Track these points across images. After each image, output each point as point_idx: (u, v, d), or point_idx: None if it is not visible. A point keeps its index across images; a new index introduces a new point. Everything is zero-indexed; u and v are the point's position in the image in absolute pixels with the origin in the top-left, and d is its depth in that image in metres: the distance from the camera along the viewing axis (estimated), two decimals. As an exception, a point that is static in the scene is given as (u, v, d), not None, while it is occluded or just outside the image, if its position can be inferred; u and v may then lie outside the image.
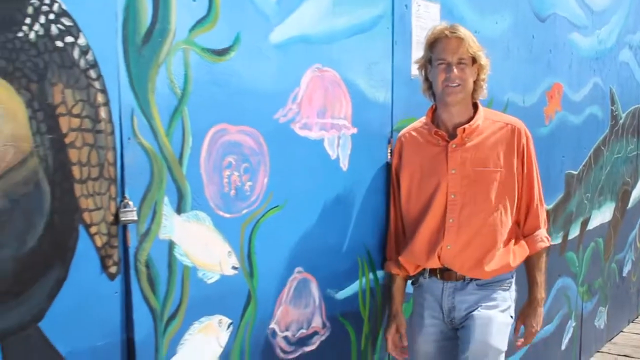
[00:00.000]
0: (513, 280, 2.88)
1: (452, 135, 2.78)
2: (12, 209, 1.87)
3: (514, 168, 2.79)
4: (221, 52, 2.39)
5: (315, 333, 2.87)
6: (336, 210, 2.90)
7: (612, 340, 5.73)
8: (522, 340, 2.97)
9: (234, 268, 2.48)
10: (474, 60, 2.72)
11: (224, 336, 2.47)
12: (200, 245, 2.36)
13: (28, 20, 1.89)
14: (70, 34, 1.98)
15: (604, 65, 5.22)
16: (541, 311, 2.90)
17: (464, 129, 2.75)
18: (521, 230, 2.90)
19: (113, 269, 2.13)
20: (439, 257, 2.80)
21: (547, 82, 4.39)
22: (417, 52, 3.20)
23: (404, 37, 3.18)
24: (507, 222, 2.81)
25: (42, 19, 1.92)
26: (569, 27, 4.63)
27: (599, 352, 5.48)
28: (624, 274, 5.97)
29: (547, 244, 2.90)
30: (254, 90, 2.50)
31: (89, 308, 2.07)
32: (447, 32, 2.70)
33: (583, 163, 4.97)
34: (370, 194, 3.03)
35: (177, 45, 2.24)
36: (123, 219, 2.12)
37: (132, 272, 2.16)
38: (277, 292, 2.67)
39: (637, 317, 6.34)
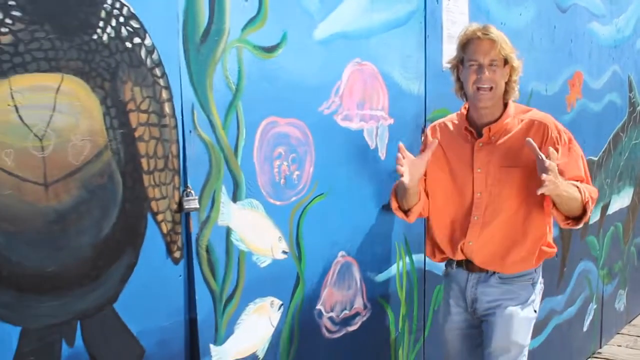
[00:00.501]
0: (537, 275, 2.87)
1: (481, 134, 2.78)
2: (90, 199, 2.02)
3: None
4: (270, 49, 2.54)
5: (357, 314, 3.03)
6: (375, 197, 3.05)
7: (632, 322, 5.86)
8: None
9: (284, 252, 2.63)
10: (506, 61, 2.70)
11: (275, 316, 2.63)
12: (254, 231, 2.52)
13: (101, 24, 2.04)
14: (138, 36, 2.13)
15: (622, 53, 5.34)
16: (562, 186, 2.56)
17: (490, 128, 2.74)
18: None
19: (177, 254, 2.29)
20: (462, 251, 2.83)
21: (568, 71, 4.52)
22: (448, 45, 3.34)
23: (435, 30, 3.31)
24: (532, 220, 2.78)
25: (114, 22, 2.07)
26: (588, 17, 4.75)
27: (619, 333, 5.62)
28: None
29: (587, 199, 2.63)
30: (300, 84, 2.65)
31: (156, 290, 2.23)
32: (479, 34, 2.68)
33: (603, 149, 5.10)
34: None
35: (231, 43, 2.39)
36: (186, 207, 2.27)
37: (194, 256, 2.31)
38: (323, 274, 2.82)
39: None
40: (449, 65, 2.88)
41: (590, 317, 5.14)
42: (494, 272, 2.81)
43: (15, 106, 1.84)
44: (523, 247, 2.78)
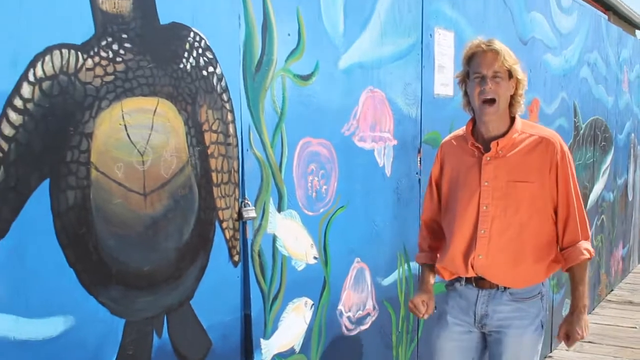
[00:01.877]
0: (545, 288, 2.87)
1: (488, 148, 2.77)
2: (175, 207, 2.32)
3: (548, 182, 2.75)
4: (306, 77, 2.88)
5: (368, 314, 3.38)
6: (381, 210, 3.41)
7: (575, 329, 6.37)
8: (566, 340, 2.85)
9: (315, 258, 2.97)
10: (511, 74, 2.71)
11: (308, 315, 2.95)
12: (293, 238, 2.84)
13: (186, 54, 2.35)
14: (212, 65, 2.45)
15: (569, 81, 5.87)
16: (585, 318, 2.77)
17: (498, 142, 2.74)
18: (560, 243, 2.81)
19: (236, 258, 2.59)
20: (472, 267, 2.80)
21: (528, 98, 4.99)
22: (439, 74, 3.75)
23: (429, 61, 3.72)
24: (541, 235, 2.78)
25: (195, 53, 2.38)
26: (543, 49, 5.26)
27: (565, 339, 6.11)
28: (584, 269, 6.63)
29: (587, 257, 2.76)
30: (328, 109, 3.00)
31: (220, 290, 2.53)
32: (483, 46, 2.71)
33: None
34: (405, 196, 3.56)
35: (277, 72, 2.72)
36: (246, 216, 2.58)
37: (249, 260, 2.62)
38: (343, 278, 3.16)
39: (593, 309, 7.01)
40: (457, 83, 2.91)
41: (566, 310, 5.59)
42: (505, 289, 2.80)
43: (125, 125, 2.13)
44: (533, 261, 2.78)
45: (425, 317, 2.97)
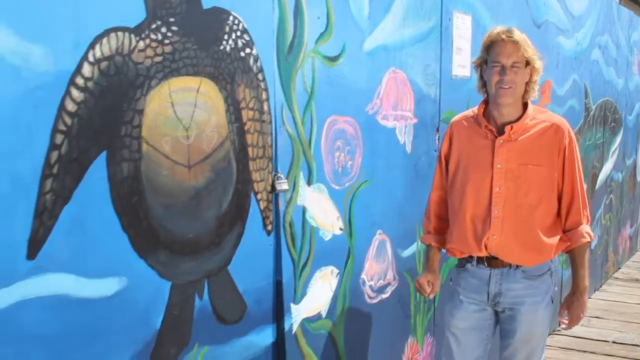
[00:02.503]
0: (554, 264, 2.99)
1: (500, 131, 2.87)
2: (216, 179, 2.50)
3: (556, 165, 2.86)
4: (334, 59, 3.04)
5: (389, 284, 3.56)
6: (402, 185, 3.58)
7: (583, 304, 6.55)
8: (566, 322, 3.03)
9: (341, 229, 3.14)
10: (528, 63, 2.81)
11: (334, 283, 3.14)
12: (321, 210, 3.02)
13: (225, 37, 2.52)
14: (248, 47, 2.61)
15: (581, 63, 6.02)
16: (585, 299, 2.95)
17: (512, 126, 2.84)
18: (563, 226, 2.94)
19: (269, 227, 2.77)
20: (485, 247, 2.89)
21: (540, 80, 5.14)
22: (457, 56, 3.90)
23: (447, 44, 3.87)
24: (550, 215, 2.90)
25: (233, 35, 2.55)
26: (556, 32, 5.40)
27: (573, 314, 6.29)
28: (592, 248, 6.80)
29: (588, 240, 2.91)
30: (353, 88, 3.16)
31: (255, 257, 2.70)
32: (503, 36, 2.78)
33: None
34: (423, 172, 3.73)
35: (308, 54, 2.89)
36: (278, 188, 2.75)
37: (281, 230, 2.80)
38: (366, 249, 3.34)
39: (601, 286, 7.20)
40: (474, 67, 3.00)
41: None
42: (517, 267, 2.90)
43: (172, 103, 2.31)
44: (542, 240, 2.88)
45: (431, 296, 3.11)
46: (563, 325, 3.08)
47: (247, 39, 2.60)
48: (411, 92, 3.57)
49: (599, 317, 6.17)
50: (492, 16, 4.28)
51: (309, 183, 2.93)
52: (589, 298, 6.55)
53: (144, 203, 2.23)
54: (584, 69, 6.06)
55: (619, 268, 7.88)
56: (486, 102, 2.96)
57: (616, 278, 7.56)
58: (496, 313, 3.00)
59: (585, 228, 2.93)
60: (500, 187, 2.86)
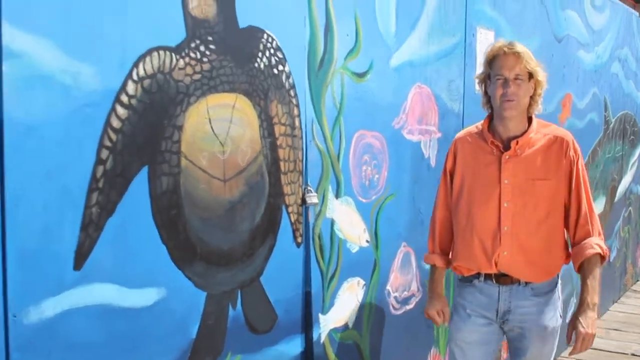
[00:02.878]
0: (558, 281, 2.98)
1: (506, 146, 2.85)
2: (250, 193, 2.57)
3: (563, 179, 2.84)
4: (362, 75, 3.12)
5: (413, 295, 3.62)
6: (427, 199, 3.64)
7: (601, 317, 6.58)
8: (572, 348, 2.80)
9: (367, 241, 3.21)
10: (531, 76, 2.78)
11: (360, 294, 3.20)
12: (348, 223, 3.09)
13: (260, 54, 2.60)
14: (281, 64, 2.69)
15: (600, 77, 6.07)
16: (592, 315, 2.77)
17: (517, 141, 2.82)
18: (572, 239, 2.89)
19: (299, 239, 2.84)
20: (495, 263, 2.85)
21: (561, 93, 5.21)
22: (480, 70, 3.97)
23: (471, 59, 3.94)
24: (558, 230, 2.88)
25: (267, 53, 2.63)
26: (577, 46, 5.46)
27: (592, 326, 6.33)
28: (611, 260, 6.83)
29: (597, 251, 2.81)
30: (380, 104, 3.24)
31: (285, 268, 2.78)
32: (505, 49, 2.77)
33: (584, 161, 5.80)
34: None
35: (337, 70, 2.96)
36: (309, 201, 2.83)
37: (310, 242, 2.87)
38: (391, 261, 3.41)
39: (619, 298, 7.22)
40: (477, 83, 2.99)
41: (571, 309, 5.81)
42: (526, 284, 2.86)
43: (209, 119, 2.39)
44: (551, 255, 2.88)
45: (445, 324, 3.08)
46: (569, 349, 2.87)
47: (280, 56, 2.68)
48: (436, 106, 3.64)
49: (617, 330, 6.20)
50: (515, 32, 4.35)
51: (337, 196, 3.00)
52: (608, 310, 6.59)
53: (182, 216, 2.31)
54: (603, 82, 6.11)
55: (638, 280, 7.90)
56: (490, 118, 2.94)
57: (635, 290, 7.58)
58: (502, 329, 2.96)
59: (595, 240, 2.84)
60: (508, 202, 2.83)
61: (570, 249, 2.93)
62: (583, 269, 2.84)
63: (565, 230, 2.92)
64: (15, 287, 1.84)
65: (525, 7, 4.47)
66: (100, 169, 2.04)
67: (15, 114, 1.81)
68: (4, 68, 1.78)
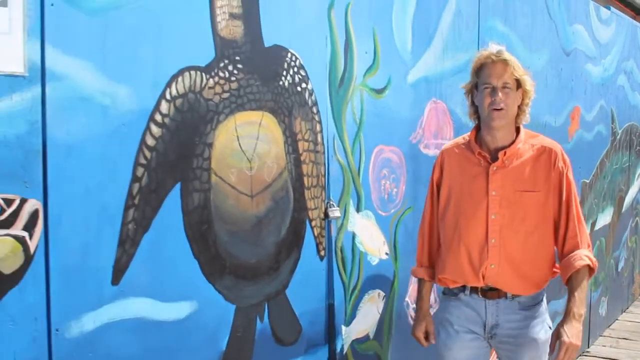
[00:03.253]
0: (544, 294, 2.92)
1: (494, 157, 2.78)
2: (275, 208, 2.63)
3: (552, 190, 2.78)
4: (380, 91, 3.19)
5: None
6: (443, 211, 3.71)
7: (611, 327, 6.63)
8: (555, 358, 2.68)
9: (387, 254, 3.27)
10: (519, 84, 2.73)
11: (381, 305, 3.26)
12: (368, 236, 3.15)
13: (284, 73, 2.66)
14: (304, 81, 2.76)
15: (607, 89, 6.14)
16: (578, 326, 2.67)
17: (505, 152, 2.76)
18: (560, 252, 2.81)
19: (322, 252, 2.90)
20: (483, 276, 2.79)
21: (570, 106, 5.27)
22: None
23: (484, 73, 4.00)
24: (546, 242, 2.81)
25: (291, 71, 2.69)
26: (585, 59, 5.53)
27: (601, 336, 6.37)
28: (619, 269, 6.88)
29: (586, 263, 2.71)
30: (398, 119, 3.30)
31: (309, 281, 2.84)
32: (492, 57, 2.72)
33: (592, 173, 5.87)
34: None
35: (357, 87, 3.03)
36: (331, 215, 2.89)
37: (333, 255, 2.93)
38: (409, 273, 3.46)
39: (627, 308, 7.26)
40: (464, 93, 2.90)
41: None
42: (513, 297, 2.80)
43: (237, 136, 2.45)
44: (539, 268, 2.82)
45: (432, 342, 2.97)
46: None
47: (303, 74, 2.74)
48: (451, 121, 3.70)
49: (627, 339, 6.25)
50: (525, 46, 4.42)
51: (357, 210, 3.06)
52: (617, 320, 6.64)
53: (213, 231, 2.37)
54: (610, 94, 6.18)
55: (645, 290, 7.94)
56: (477, 128, 2.87)
57: (643, 300, 7.63)
58: (489, 343, 2.88)
59: (584, 252, 2.75)
60: (496, 214, 2.76)
61: (557, 261, 2.86)
62: (571, 281, 2.74)
63: (553, 242, 2.84)
64: (57, 303, 1.90)
65: (534, 22, 4.54)
66: (136, 186, 2.10)
67: (58, 134, 1.88)
68: (47, 90, 1.84)
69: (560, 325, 2.68)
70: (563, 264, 2.79)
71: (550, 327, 2.87)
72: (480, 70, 2.76)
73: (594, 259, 2.75)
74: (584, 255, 2.74)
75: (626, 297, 7.18)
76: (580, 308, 2.70)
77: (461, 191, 2.84)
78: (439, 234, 2.95)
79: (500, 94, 2.68)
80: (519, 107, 2.78)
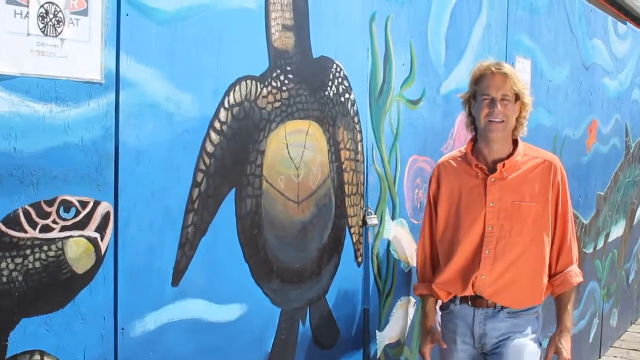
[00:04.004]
0: (540, 309, 2.87)
1: (492, 169, 2.77)
2: (319, 214, 2.71)
3: (549, 203, 2.78)
4: (415, 102, 3.26)
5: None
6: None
7: (621, 338, 6.70)
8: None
9: (418, 261, 3.34)
10: (517, 97, 2.72)
11: (411, 312, 3.33)
12: (402, 244, 3.22)
13: (329, 83, 2.74)
14: (347, 92, 2.83)
15: (622, 103, 6.22)
16: (570, 339, 2.80)
17: (504, 164, 2.74)
18: (554, 267, 2.83)
19: (360, 259, 2.97)
20: (472, 286, 2.78)
21: (588, 119, 5.35)
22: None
23: (510, 86, 4.08)
24: (542, 255, 2.79)
25: (336, 82, 2.77)
26: (602, 73, 5.61)
27: (612, 346, 6.44)
28: (630, 281, 6.96)
29: (581, 279, 2.82)
30: (431, 129, 3.38)
31: (347, 287, 2.91)
32: (492, 69, 2.70)
33: (607, 185, 5.95)
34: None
35: (394, 97, 3.11)
36: (369, 223, 2.96)
37: (369, 261, 3.00)
38: (438, 281, 3.53)
39: (637, 319, 7.34)
40: (461, 103, 2.91)
41: (594, 331, 5.94)
42: (502, 307, 2.79)
43: (287, 144, 2.53)
44: (533, 281, 2.80)
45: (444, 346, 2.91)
46: None
47: (347, 84, 2.82)
48: (479, 132, 3.77)
49: (637, 350, 6.32)
50: (549, 60, 4.51)
51: (392, 218, 3.14)
52: (626, 331, 6.71)
53: (262, 236, 2.44)
54: (625, 108, 6.26)
55: (653, 302, 8.02)
56: (474, 140, 2.86)
57: (651, 312, 7.70)
58: (483, 354, 2.85)
59: (576, 268, 2.84)
60: (493, 226, 2.75)
61: (549, 276, 2.86)
62: (564, 296, 2.84)
63: (547, 256, 2.83)
64: (124, 303, 1.97)
65: (557, 37, 4.62)
66: (196, 191, 2.17)
67: (129, 140, 1.95)
68: (120, 97, 1.91)
69: (557, 340, 2.81)
70: (559, 279, 2.83)
71: (540, 344, 2.84)
72: (479, 80, 2.75)
73: (581, 273, 2.85)
74: (578, 272, 2.84)
75: (636, 309, 7.26)
76: (571, 322, 2.84)
77: (459, 203, 2.83)
78: (438, 248, 2.94)
79: (499, 105, 2.68)
80: (516, 119, 2.77)
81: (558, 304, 2.85)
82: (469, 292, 2.78)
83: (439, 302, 2.97)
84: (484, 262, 2.75)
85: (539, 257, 2.79)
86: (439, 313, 3.01)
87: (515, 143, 2.82)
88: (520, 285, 2.77)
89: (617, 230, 6.31)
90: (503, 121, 2.69)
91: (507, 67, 2.72)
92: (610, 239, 6.11)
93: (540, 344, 2.84)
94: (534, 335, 2.81)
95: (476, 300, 2.80)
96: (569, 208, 2.81)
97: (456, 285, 2.81)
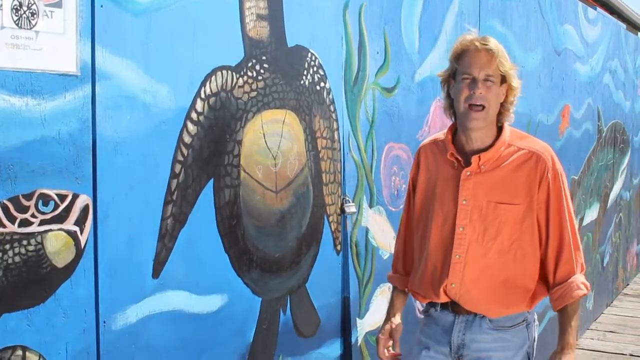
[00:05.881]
0: (531, 316, 2.46)
1: (468, 162, 2.36)
2: (297, 203, 2.71)
3: (538, 205, 2.35)
4: (390, 90, 3.27)
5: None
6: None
7: (597, 320, 6.78)
8: None
9: (396, 249, 3.36)
10: (504, 79, 2.30)
11: (391, 299, 3.35)
12: (380, 231, 3.24)
13: (305, 72, 2.74)
14: (323, 81, 2.84)
15: (594, 88, 6.28)
16: (573, 357, 2.33)
17: (480, 156, 2.33)
18: (552, 278, 2.38)
19: (339, 247, 2.99)
20: (445, 292, 2.41)
21: (561, 104, 5.40)
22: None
23: (483, 72, 4.11)
24: (524, 262, 2.38)
25: (311, 71, 2.77)
26: (574, 58, 5.66)
27: (589, 329, 6.52)
28: (605, 264, 7.04)
29: (585, 292, 2.34)
30: (406, 117, 3.39)
31: (326, 275, 2.92)
32: (477, 43, 2.28)
33: (581, 170, 6.01)
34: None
35: (369, 85, 3.12)
36: (347, 211, 2.97)
37: (348, 249, 3.02)
38: (417, 267, 3.56)
39: (612, 302, 7.43)
40: (440, 82, 2.47)
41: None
42: (484, 315, 2.40)
43: (264, 134, 2.53)
44: (513, 290, 2.40)
45: (397, 351, 2.56)
46: None
47: (322, 73, 2.82)
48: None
49: (614, 332, 6.40)
50: (521, 46, 4.54)
51: (370, 205, 3.15)
52: (602, 314, 6.79)
53: (241, 226, 2.44)
54: (596, 93, 6.33)
55: (628, 284, 8.12)
56: (455, 125, 2.45)
57: (626, 294, 7.79)
58: None
59: (580, 278, 2.36)
60: (464, 227, 2.36)
61: (546, 284, 2.43)
62: (566, 310, 2.36)
63: (536, 261, 2.41)
64: (105, 296, 1.97)
65: (529, 22, 4.66)
66: (174, 182, 2.17)
67: (106, 132, 1.94)
68: (97, 89, 1.90)
69: (560, 355, 2.35)
70: (560, 292, 2.36)
71: (529, 358, 2.45)
72: (460, 57, 2.33)
73: (588, 284, 2.38)
74: (581, 283, 2.35)
75: (610, 292, 7.35)
76: (574, 338, 2.35)
77: (434, 195, 2.45)
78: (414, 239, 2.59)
79: (480, 87, 2.25)
80: (501, 104, 2.34)
81: (559, 319, 2.39)
82: (443, 299, 2.42)
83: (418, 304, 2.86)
84: (454, 268, 2.36)
85: (521, 263, 2.37)
86: (421, 316, 2.75)
87: (500, 131, 2.38)
88: (499, 294, 2.38)
89: (592, 214, 6.38)
90: (484, 108, 2.26)
91: (493, 43, 2.28)
92: (585, 222, 6.17)
93: (530, 357, 2.45)
94: (520, 351, 2.41)
95: (455, 307, 2.42)
96: (565, 210, 2.35)
97: (428, 292, 2.46)
